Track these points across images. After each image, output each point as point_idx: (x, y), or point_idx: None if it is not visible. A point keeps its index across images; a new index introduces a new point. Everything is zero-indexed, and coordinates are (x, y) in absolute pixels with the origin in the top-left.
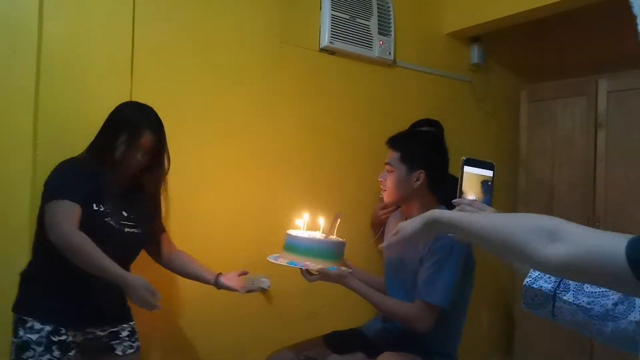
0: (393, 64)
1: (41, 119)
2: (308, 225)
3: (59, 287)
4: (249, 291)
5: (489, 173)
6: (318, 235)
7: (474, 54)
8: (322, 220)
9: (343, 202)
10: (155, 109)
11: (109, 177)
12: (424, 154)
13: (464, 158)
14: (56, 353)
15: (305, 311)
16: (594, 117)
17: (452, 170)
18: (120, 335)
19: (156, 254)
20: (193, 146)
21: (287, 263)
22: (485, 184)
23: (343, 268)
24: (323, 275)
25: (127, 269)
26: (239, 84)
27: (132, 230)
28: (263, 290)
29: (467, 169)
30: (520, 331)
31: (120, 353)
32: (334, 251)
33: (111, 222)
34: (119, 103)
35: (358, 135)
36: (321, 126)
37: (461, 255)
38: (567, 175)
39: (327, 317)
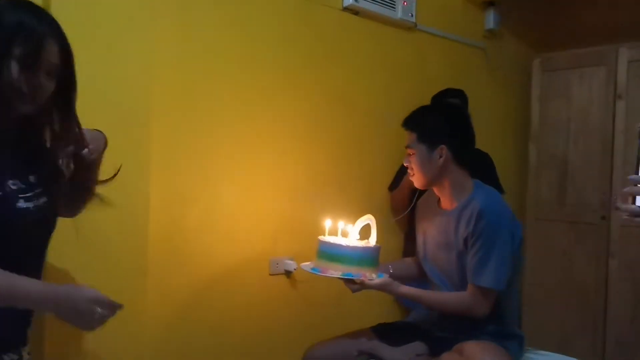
0: (414, 27)
1: None
2: (333, 225)
3: None
4: (274, 274)
5: None
6: (355, 241)
7: (489, 19)
8: (350, 227)
9: (359, 178)
10: (169, 64)
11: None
12: (440, 128)
13: (639, 126)
14: None
15: (331, 296)
16: (613, 89)
17: (479, 144)
18: None
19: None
20: (208, 109)
21: (342, 275)
22: None
23: (386, 276)
24: (367, 286)
25: (40, 264)
26: (260, 41)
27: (40, 200)
28: (288, 273)
29: None
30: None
31: None
32: (373, 257)
33: (18, 205)
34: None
35: (378, 103)
36: (341, 93)
37: (509, 231)
38: (583, 149)
39: (355, 302)
